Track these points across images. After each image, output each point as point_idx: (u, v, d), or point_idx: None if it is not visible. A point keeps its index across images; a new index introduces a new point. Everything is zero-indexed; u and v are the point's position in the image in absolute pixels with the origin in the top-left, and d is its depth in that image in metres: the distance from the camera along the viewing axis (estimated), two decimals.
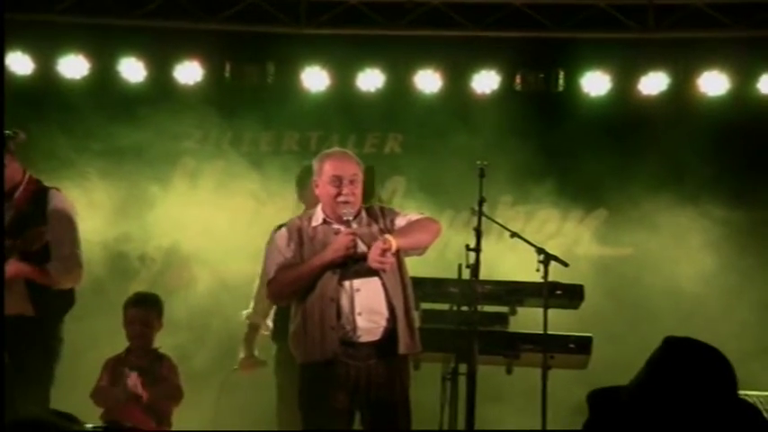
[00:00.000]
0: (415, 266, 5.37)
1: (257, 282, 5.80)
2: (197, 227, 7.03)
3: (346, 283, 4.74)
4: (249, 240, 6.56)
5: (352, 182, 4.83)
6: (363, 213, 4.92)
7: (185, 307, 6.88)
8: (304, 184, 6.03)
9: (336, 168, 4.84)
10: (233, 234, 7.04)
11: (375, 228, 4.88)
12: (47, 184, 5.21)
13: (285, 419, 5.77)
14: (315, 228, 4.88)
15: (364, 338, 4.73)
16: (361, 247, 4.79)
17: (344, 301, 4.73)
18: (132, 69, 7.12)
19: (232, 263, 6.96)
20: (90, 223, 6.68)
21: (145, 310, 5.73)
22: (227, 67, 7.23)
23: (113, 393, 5.54)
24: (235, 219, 7.14)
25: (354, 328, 4.72)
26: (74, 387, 5.41)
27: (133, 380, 5.53)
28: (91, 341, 6.32)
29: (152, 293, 5.99)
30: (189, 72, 7.14)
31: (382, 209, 5.04)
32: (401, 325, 4.75)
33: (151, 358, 5.69)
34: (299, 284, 4.80)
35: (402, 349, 4.74)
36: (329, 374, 4.70)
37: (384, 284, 4.76)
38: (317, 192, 4.93)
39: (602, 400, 2.27)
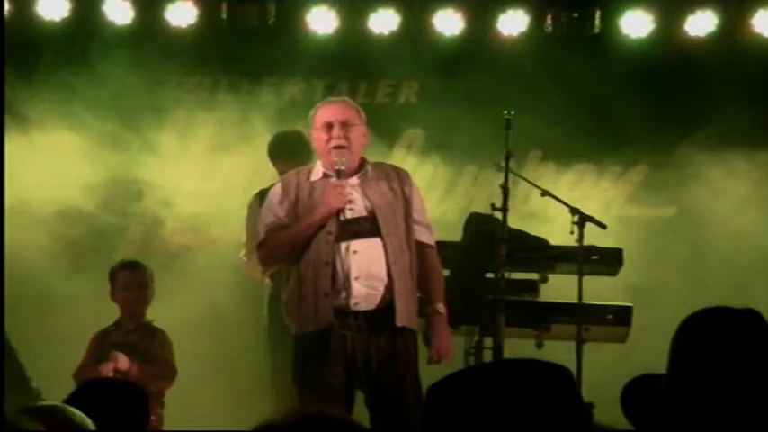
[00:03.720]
0: (435, 230, 5.32)
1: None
2: (189, 186, 6.99)
3: (343, 245, 4.75)
4: (247, 198, 6.44)
5: (344, 126, 4.85)
6: (369, 167, 4.95)
7: (175, 278, 6.84)
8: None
9: (326, 114, 4.91)
10: (229, 194, 7.00)
11: (384, 185, 4.90)
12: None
13: (281, 388, 5.86)
14: (313, 183, 4.91)
15: (361, 306, 4.73)
16: (363, 203, 4.82)
17: (340, 265, 4.73)
18: (118, 9, 7.02)
19: (228, 227, 6.92)
20: (67, 182, 6.66)
21: (138, 273, 5.73)
22: (224, 8, 7.16)
23: (97, 373, 5.49)
24: (231, 176, 7.10)
25: (350, 294, 4.72)
26: (45, 363, 5.47)
27: (122, 362, 5.50)
28: (69, 314, 6.36)
29: (139, 261, 6.00)
30: (181, 13, 7.06)
31: (398, 169, 5.06)
32: (400, 294, 4.75)
33: (143, 333, 5.68)
34: (289, 247, 4.83)
35: (400, 321, 4.73)
36: (324, 347, 4.72)
37: (385, 246, 4.77)
38: (314, 145, 4.99)
39: (636, 394, 2.26)
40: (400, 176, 4.98)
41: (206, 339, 6.69)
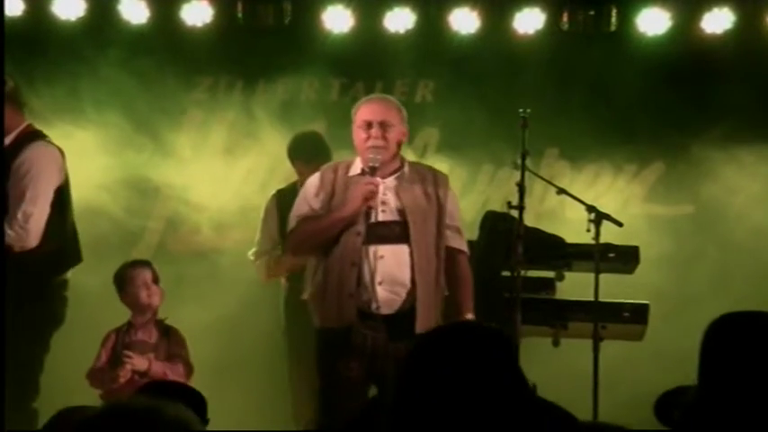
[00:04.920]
0: None
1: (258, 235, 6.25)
2: (205, 186, 7.02)
3: (371, 248, 4.80)
4: (264, 200, 6.55)
5: (382, 126, 4.89)
6: (406, 169, 4.98)
7: (193, 276, 6.89)
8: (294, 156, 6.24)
9: (366, 112, 4.95)
10: (245, 194, 7.04)
11: (419, 189, 4.92)
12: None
13: (298, 388, 5.89)
14: (350, 178, 4.95)
15: (383, 310, 4.80)
16: (395, 205, 4.86)
17: (366, 268, 4.78)
18: (134, 9, 7.03)
19: (245, 226, 6.93)
20: (83, 181, 6.66)
21: (152, 269, 5.72)
22: (240, 7, 7.14)
23: (111, 375, 5.50)
24: (247, 176, 7.13)
25: (372, 298, 4.78)
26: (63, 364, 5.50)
27: (137, 361, 5.47)
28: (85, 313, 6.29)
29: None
30: (197, 12, 7.05)
31: (435, 172, 5.09)
32: (423, 301, 4.79)
33: (158, 332, 5.66)
34: (317, 239, 4.87)
35: (419, 328, 4.77)
36: (345, 343, 4.78)
37: (412, 254, 4.81)
38: (354, 142, 5.02)
39: (668, 408, 2.31)
40: (437, 180, 5.02)
41: (220, 340, 6.68)
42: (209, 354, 6.31)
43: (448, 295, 4.96)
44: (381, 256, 4.79)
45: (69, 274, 5.55)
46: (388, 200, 4.88)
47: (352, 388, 4.73)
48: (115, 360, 5.51)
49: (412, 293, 4.79)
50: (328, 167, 5.08)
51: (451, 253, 4.96)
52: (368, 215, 4.81)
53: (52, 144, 5.41)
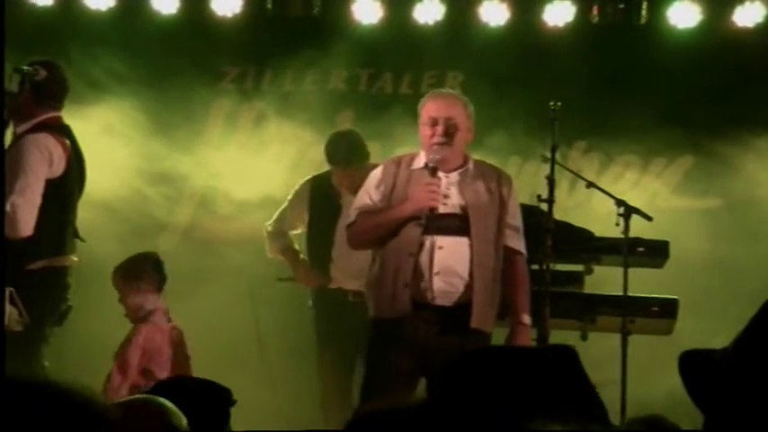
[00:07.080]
0: None
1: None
2: (232, 175, 7.05)
3: (429, 239, 4.81)
4: (290, 190, 6.52)
5: (447, 123, 4.88)
6: (471, 165, 4.99)
7: (216, 265, 6.88)
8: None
9: (432, 108, 4.95)
10: (272, 183, 7.02)
11: (481, 186, 4.93)
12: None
13: (325, 370, 6.04)
14: (412, 171, 4.96)
15: (439, 301, 4.80)
16: (458, 200, 4.88)
17: (424, 258, 4.79)
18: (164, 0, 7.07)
19: (270, 217, 6.85)
20: (110, 168, 6.70)
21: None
22: None
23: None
24: (275, 166, 7.11)
25: (428, 288, 4.79)
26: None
27: None
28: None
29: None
30: (227, 2, 7.10)
31: (499, 171, 5.13)
32: (479, 295, 4.79)
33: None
34: (377, 233, 4.91)
35: (474, 323, 4.78)
36: (396, 334, 4.79)
37: (472, 246, 4.82)
38: (419, 137, 5.03)
39: (694, 362, 2.16)
40: (500, 178, 5.02)
41: (246, 328, 6.66)
42: (231, 342, 6.38)
43: (503, 296, 4.94)
44: (440, 247, 4.80)
45: (68, 262, 5.39)
46: (450, 194, 4.88)
47: (400, 380, 4.71)
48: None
49: (469, 287, 4.79)
50: (391, 160, 5.10)
51: (509, 253, 4.95)
52: (430, 209, 4.83)
53: (53, 136, 5.28)
